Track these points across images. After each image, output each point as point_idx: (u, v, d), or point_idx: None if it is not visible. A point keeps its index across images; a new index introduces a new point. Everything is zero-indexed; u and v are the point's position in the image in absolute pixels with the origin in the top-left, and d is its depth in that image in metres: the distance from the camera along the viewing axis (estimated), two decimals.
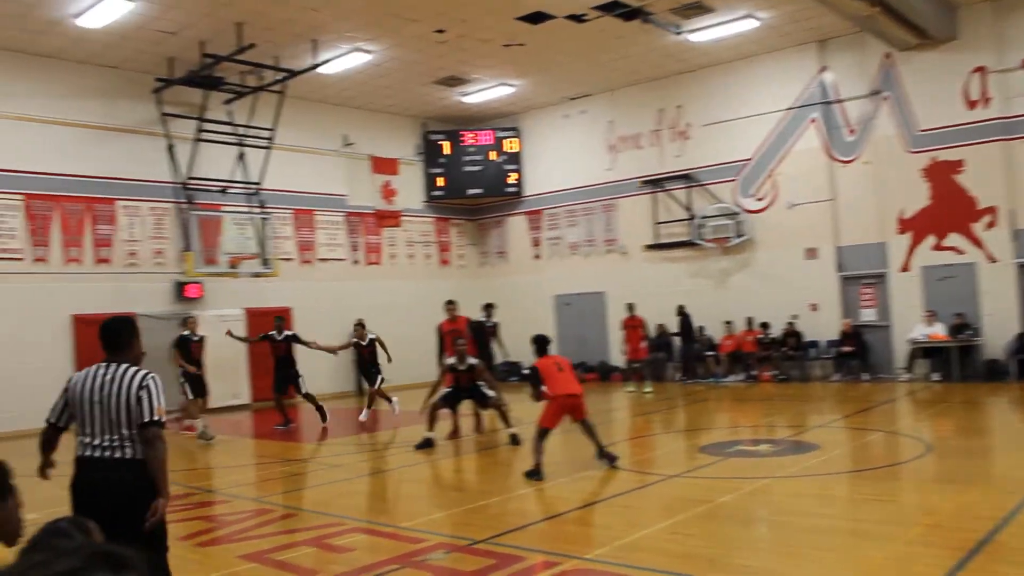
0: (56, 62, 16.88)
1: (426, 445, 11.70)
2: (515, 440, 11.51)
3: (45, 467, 4.75)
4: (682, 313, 19.73)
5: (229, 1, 14.68)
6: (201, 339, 14.54)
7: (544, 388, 9.58)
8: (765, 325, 18.98)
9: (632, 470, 9.65)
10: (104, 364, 4.56)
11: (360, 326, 15.32)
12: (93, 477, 4.40)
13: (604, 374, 21.51)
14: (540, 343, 10.15)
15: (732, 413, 15.19)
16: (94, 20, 15.05)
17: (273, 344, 15.08)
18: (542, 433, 9.41)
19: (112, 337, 4.62)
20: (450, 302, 13.62)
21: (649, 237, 21.18)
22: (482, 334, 14.77)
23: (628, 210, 21.69)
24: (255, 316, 18.91)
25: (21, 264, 16.34)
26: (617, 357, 21.26)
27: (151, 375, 4.53)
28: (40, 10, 14.64)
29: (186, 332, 14.36)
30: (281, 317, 15.76)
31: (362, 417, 15.43)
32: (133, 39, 16.14)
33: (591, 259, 22.48)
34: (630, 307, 18.36)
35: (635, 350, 18.15)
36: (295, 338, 15.28)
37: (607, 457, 9.58)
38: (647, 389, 18.16)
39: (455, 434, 12.74)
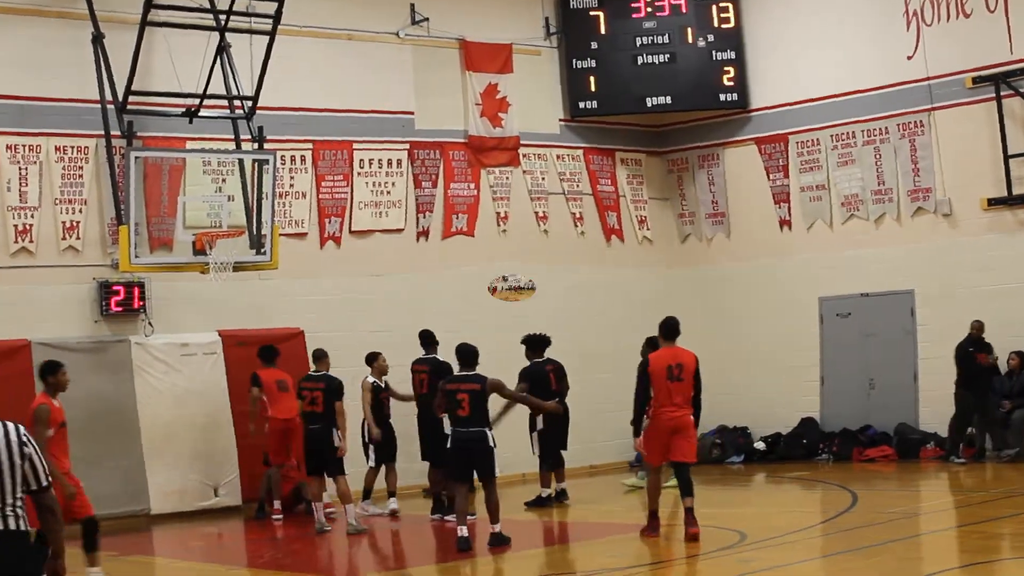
0: None
1: None
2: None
3: None
4: None
5: None
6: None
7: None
8: None
9: None
10: None
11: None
12: None
13: (906, 448, 13.79)
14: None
15: None
16: None
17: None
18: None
19: None
20: None
21: (992, 184, 14.33)
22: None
23: (951, 132, 14.66)
24: (236, 346, 12.85)
25: None
26: (926, 414, 14.50)
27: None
28: None
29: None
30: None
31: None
32: None
33: (885, 227, 15.15)
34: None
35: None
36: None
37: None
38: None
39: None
